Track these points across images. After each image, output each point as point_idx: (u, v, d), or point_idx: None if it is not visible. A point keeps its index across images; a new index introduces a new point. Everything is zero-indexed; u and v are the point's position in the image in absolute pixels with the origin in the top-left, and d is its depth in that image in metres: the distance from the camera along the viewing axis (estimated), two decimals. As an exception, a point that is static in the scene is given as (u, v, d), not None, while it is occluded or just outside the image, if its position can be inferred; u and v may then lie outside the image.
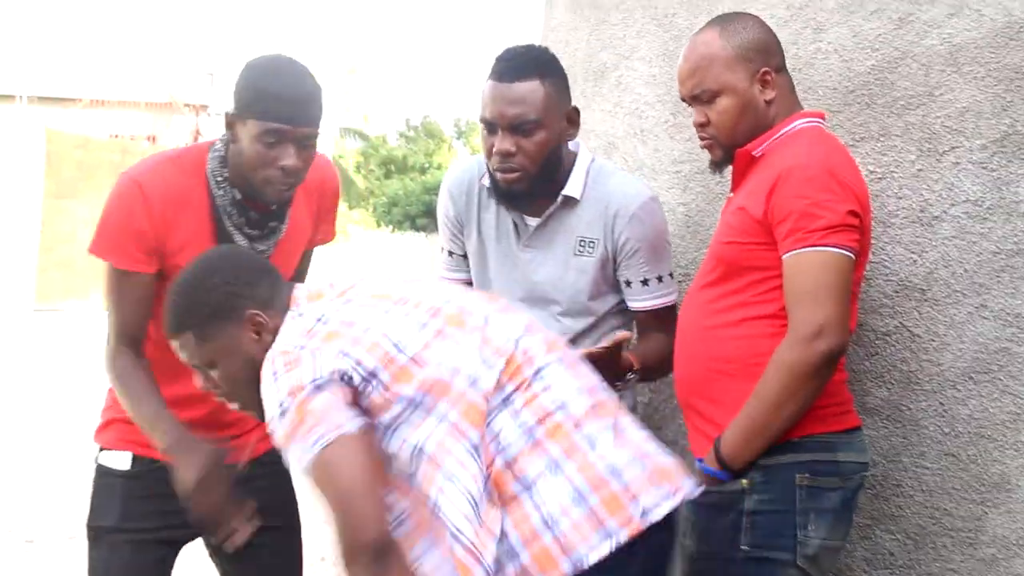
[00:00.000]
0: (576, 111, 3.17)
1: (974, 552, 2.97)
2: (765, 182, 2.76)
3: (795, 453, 2.73)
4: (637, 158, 3.69)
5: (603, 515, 2.43)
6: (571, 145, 3.22)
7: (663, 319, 3.18)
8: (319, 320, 2.53)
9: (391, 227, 31.72)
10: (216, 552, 3.30)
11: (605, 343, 2.98)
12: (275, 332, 2.59)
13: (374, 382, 2.46)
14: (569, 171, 3.18)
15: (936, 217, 3.01)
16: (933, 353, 3.02)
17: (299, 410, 2.40)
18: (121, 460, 3.15)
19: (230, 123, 2.95)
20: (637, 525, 2.44)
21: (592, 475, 2.46)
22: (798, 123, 2.86)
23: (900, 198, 3.06)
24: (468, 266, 3.37)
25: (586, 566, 2.40)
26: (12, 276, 18.95)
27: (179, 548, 3.22)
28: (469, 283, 3.35)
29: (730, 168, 2.96)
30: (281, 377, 2.44)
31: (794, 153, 2.77)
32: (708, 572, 2.83)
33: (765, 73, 2.86)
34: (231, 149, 2.98)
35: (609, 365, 2.99)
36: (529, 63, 3.11)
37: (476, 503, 2.41)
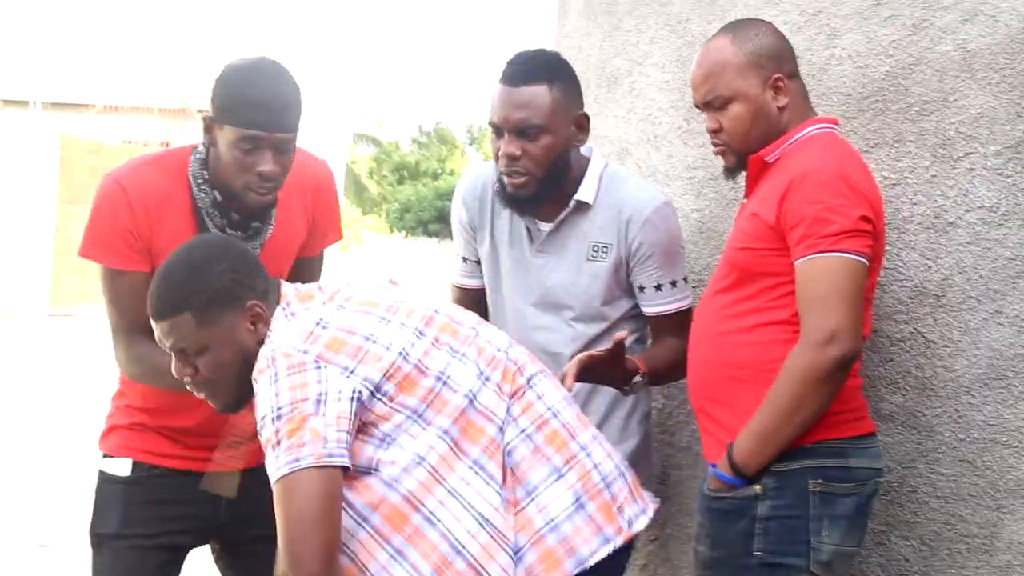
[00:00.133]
0: (586, 117, 3.17)
1: (989, 559, 2.96)
2: (778, 188, 2.76)
3: (808, 459, 2.72)
4: (650, 164, 3.69)
5: (600, 521, 2.59)
6: (584, 150, 3.22)
7: (678, 324, 3.17)
8: (318, 324, 2.53)
9: (404, 233, 31.76)
10: (221, 558, 3.31)
11: (606, 345, 2.98)
12: (268, 322, 2.60)
13: (379, 394, 2.48)
14: (582, 176, 3.18)
15: (951, 223, 3.00)
16: (948, 359, 3.01)
17: (298, 422, 2.40)
18: (121, 466, 3.15)
19: (208, 127, 2.95)
20: (627, 534, 2.63)
21: (589, 484, 2.61)
22: (811, 129, 2.86)
23: (915, 204, 3.05)
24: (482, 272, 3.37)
25: (588, 566, 2.55)
26: (26, 281, 19.00)
27: (183, 554, 3.21)
28: (484, 289, 3.35)
29: (743, 174, 2.96)
30: (283, 380, 2.43)
31: (807, 159, 2.77)
32: (721, 578, 2.83)
33: (777, 79, 2.86)
34: (211, 153, 2.98)
35: (612, 368, 3.00)
36: (537, 67, 3.11)
37: (483, 520, 2.48)
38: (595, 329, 3.20)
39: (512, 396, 2.61)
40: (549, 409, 2.65)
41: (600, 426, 3.20)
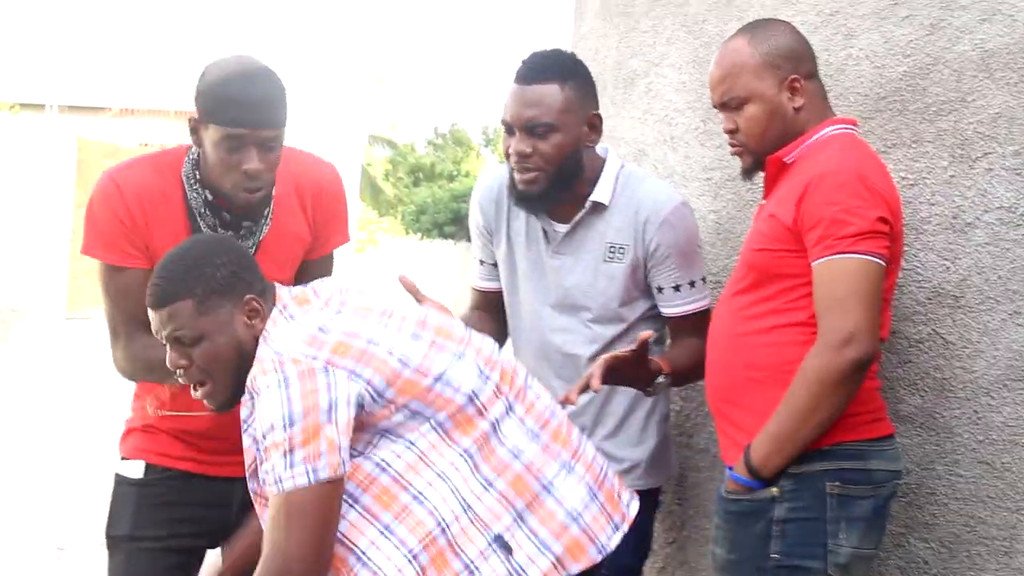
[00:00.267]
0: (599, 117, 3.16)
1: (1009, 561, 2.95)
2: (795, 189, 2.75)
3: (825, 461, 2.72)
4: (667, 165, 3.68)
5: (609, 510, 2.71)
6: (600, 151, 3.22)
7: (696, 324, 3.16)
8: (320, 329, 2.56)
9: (419, 235, 31.76)
10: None
11: (631, 345, 2.98)
12: (264, 320, 2.64)
13: (380, 398, 2.53)
14: (597, 177, 3.18)
15: (969, 224, 2.99)
16: (967, 360, 3.00)
17: (313, 430, 2.43)
18: (135, 468, 3.16)
19: (194, 129, 2.95)
20: (629, 520, 2.75)
21: (596, 475, 2.73)
22: (830, 130, 2.85)
23: (932, 204, 3.04)
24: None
25: (608, 552, 2.67)
26: (43, 285, 19.03)
27: (198, 557, 3.20)
28: (502, 291, 3.35)
29: (761, 175, 2.95)
30: (294, 385, 2.46)
31: (825, 160, 2.76)
32: (739, 580, 2.82)
33: (794, 80, 2.85)
34: (200, 153, 2.99)
35: (637, 368, 2.99)
36: (551, 66, 3.11)
37: (466, 505, 2.56)
38: (613, 331, 3.19)
39: (515, 397, 2.68)
40: (547, 408, 2.74)
41: (619, 427, 3.21)
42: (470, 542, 2.55)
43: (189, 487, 3.13)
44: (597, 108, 3.18)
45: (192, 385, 2.70)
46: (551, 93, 3.07)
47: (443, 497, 2.55)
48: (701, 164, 3.58)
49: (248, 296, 2.65)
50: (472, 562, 2.54)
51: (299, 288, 2.73)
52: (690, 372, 3.16)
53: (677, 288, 3.18)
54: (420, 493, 2.55)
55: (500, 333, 3.36)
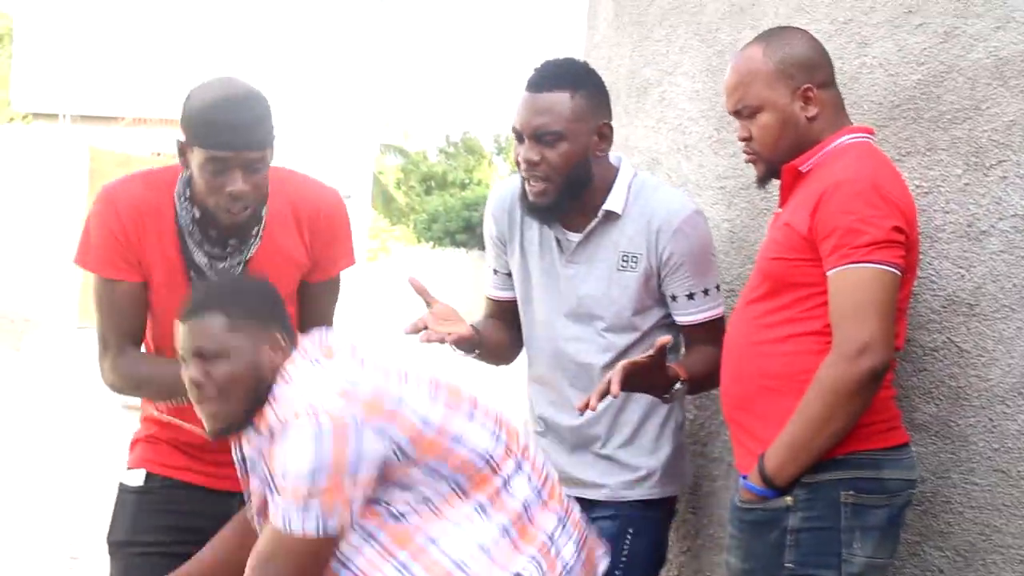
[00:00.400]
0: (609, 127, 3.16)
1: (1024, 570, 2.94)
2: (810, 198, 2.75)
3: (840, 470, 2.71)
4: (681, 174, 3.68)
5: (590, 569, 2.86)
6: (613, 160, 3.22)
7: (711, 332, 3.16)
8: (351, 383, 2.61)
9: (431, 243, 31.82)
10: None
11: (649, 351, 2.98)
12: (284, 359, 2.70)
13: (402, 457, 2.62)
14: (610, 186, 3.18)
15: (984, 232, 2.98)
16: (982, 368, 2.99)
17: (335, 486, 2.53)
18: (135, 477, 3.20)
19: (181, 150, 2.97)
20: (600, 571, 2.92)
21: (582, 532, 2.87)
22: (846, 138, 2.85)
23: (947, 212, 3.04)
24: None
25: None
26: (55, 294, 19.07)
27: None
28: (516, 301, 3.35)
29: (776, 183, 2.95)
30: (327, 439, 2.52)
31: (840, 168, 2.76)
32: (753, 590, 2.82)
33: (807, 90, 2.85)
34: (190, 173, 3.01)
35: (655, 374, 2.99)
36: (562, 75, 3.11)
37: (484, 548, 2.66)
38: (626, 339, 3.19)
39: (522, 455, 2.79)
40: (544, 464, 2.87)
41: (634, 436, 3.21)
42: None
43: (189, 497, 3.16)
44: (609, 118, 3.18)
45: (199, 402, 2.72)
46: (561, 101, 3.07)
47: (458, 543, 2.65)
48: (715, 173, 3.58)
49: (276, 333, 2.71)
50: None
51: (317, 335, 2.78)
52: (705, 380, 3.15)
53: (691, 296, 3.17)
54: (435, 539, 2.65)
55: (515, 342, 3.36)
